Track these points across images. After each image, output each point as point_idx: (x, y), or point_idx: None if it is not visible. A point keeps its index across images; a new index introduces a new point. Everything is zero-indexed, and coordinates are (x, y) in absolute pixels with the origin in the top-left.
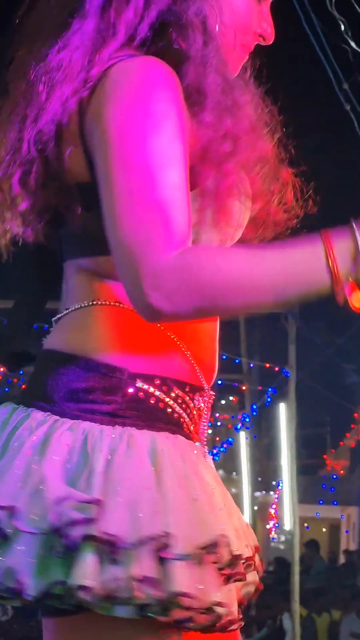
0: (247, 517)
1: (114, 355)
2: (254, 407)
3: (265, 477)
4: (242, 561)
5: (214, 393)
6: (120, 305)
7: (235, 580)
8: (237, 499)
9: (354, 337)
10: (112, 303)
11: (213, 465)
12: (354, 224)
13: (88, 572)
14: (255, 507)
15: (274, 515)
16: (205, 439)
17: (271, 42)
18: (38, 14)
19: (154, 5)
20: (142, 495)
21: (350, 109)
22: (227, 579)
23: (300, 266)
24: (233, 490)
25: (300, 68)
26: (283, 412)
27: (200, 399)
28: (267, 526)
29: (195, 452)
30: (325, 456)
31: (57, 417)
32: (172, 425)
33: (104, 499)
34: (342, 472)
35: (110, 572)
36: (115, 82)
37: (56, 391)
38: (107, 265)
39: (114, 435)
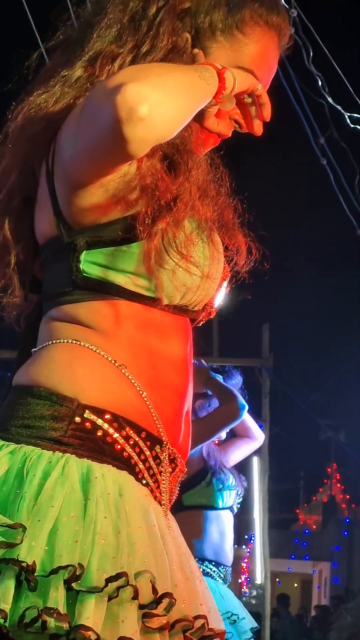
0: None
1: (66, 385)
2: None
3: (238, 530)
4: (171, 601)
5: (182, 462)
6: (78, 342)
7: (179, 627)
8: None
9: (328, 392)
10: (70, 341)
11: (176, 527)
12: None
13: (4, 596)
14: None
15: (245, 569)
16: (168, 502)
17: (247, 131)
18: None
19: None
20: (66, 524)
21: (327, 163)
22: (171, 626)
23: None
24: None
25: (277, 122)
26: (256, 466)
27: (160, 452)
28: (239, 580)
29: (145, 495)
30: (297, 511)
31: (4, 442)
32: (120, 462)
33: (30, 523)
34: (314, 527)
35: (26, 599)
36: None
37: (11, 419)
38: (69, 310)
39: (50, 461)
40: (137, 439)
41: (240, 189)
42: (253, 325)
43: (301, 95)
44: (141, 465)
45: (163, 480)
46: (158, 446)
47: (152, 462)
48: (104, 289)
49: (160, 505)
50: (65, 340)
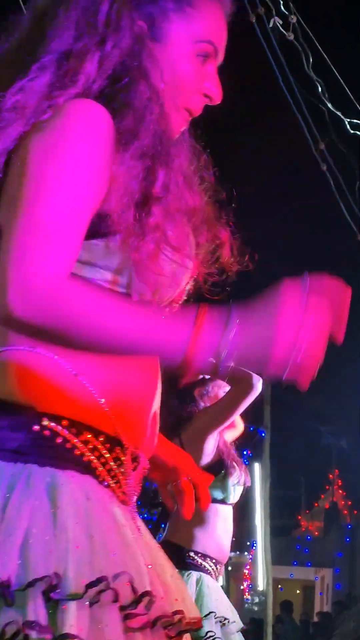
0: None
1: (21, 394)
2: None
3: (240, 537)
4: (150, 599)
5: (145, 459)
6: (33, 350)
7: (160, 624)
8: None
9: (329, 398)
10: (25, 348)
11: (142, 524)
12: (231, 317)
13: None
14: (229, 568)
15: (247, 576)
16: (133, 501)
17: (218, 102)
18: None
19: (109, 59)
20: (37, 535)
21: (327, 169)
22: (152, 624)
23: (161, 343)
24: None
25: (277, 128)
26: (257, 472)
27: (121, 454)
28: (241, 587)
29: (110, 496)
30: (299, 517)
31: None
32: (81, 467)
33: (0, 539)
34: (316, 533)
35: (4, 615)
36: (45, 120)
37: None
38: None
39: (13, 473)
40: (95, 443)
41: (240, 197)
42: None
43: (301, 101)
44: (101, 468)
45: (125, 480)
46: (119, 448)
47: (112, 464)
48: None
49: (125, 504)
50: (21, 348)
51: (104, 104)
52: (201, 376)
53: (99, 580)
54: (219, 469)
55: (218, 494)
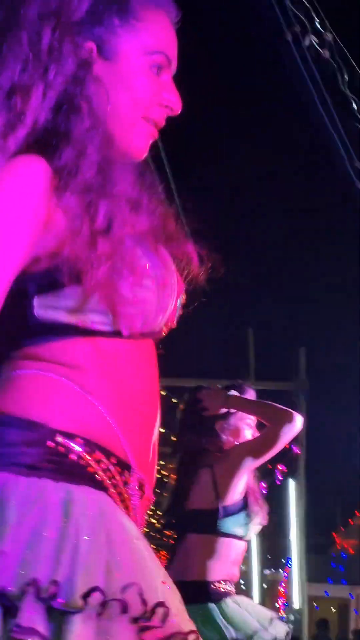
0: (256, 595)
1: (34, 412)
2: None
3: (275, 554)
4: (165, 611)
5: (150, 490)
6: (41, 372)
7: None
8: (246, 576)
9: None
10: (34, 370)
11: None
12: None
13: None
14: (265, 585)
15: (283, 594)
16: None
17: (179, 111)
18: None
19: (52, 89)
20: (43, 545)
21: None
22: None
23: None
24: (242, 567)
25: (312, 146)
26: (292, 489)
27: (129, 479)
28: (277, 605)
29: (122, 511)
30: (334, 534)
31: None
32: (94, 483)
33: (10, 550)
34: (351, 551)
35: (11, 623)
36: None
37: None
38: (28, 351)
39: (28, 487)
40: (108, 464)
41: (276, 219)
42: (289, 349)
43: (336, 118)
44: (112, 490)
45: (133, 506)
46: (127, 472)
47: (122, 488)
48: (62, 332)
49: None
50: (30, 370)
51: (45, 140)
52: (223, 410)
53: (93, 589)
54: (243, 507)
55: (239, 531)
